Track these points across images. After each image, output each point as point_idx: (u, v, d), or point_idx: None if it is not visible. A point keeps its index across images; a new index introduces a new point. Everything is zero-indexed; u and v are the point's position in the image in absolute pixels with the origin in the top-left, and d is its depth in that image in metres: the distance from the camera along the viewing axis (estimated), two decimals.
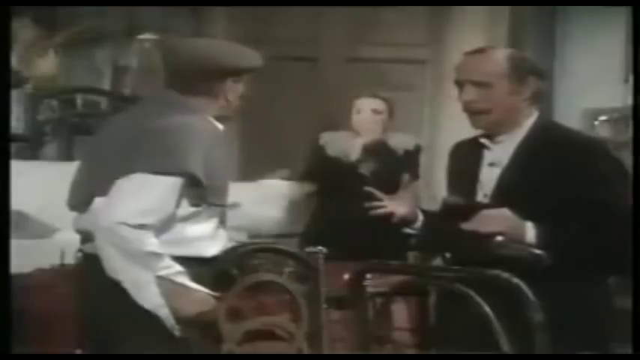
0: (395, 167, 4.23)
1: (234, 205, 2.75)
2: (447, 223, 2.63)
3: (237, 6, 5.45)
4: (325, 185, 4.28)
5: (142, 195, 2.46)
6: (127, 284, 2.46)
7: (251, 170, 5.11)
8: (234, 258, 2.57)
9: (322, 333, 2.49)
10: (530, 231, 2.52)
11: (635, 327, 2.50)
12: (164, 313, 2.47)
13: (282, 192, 2.98)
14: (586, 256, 2.51)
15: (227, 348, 2.47)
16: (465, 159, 2.76)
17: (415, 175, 4.29)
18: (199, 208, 2.55)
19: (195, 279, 2.51)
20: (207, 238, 2.58)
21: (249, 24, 5.58)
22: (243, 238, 2.81)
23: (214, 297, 2.51)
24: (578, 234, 2.50)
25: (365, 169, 4.21)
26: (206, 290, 2.51)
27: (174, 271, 2.48)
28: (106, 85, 5.56)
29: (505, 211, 2.53)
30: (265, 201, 2.93)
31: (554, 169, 2.56)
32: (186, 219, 2.55)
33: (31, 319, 3.08)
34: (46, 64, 5.32)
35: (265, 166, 4.51)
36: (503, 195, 2.60)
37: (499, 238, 2.49)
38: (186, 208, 2.54)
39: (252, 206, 2.85)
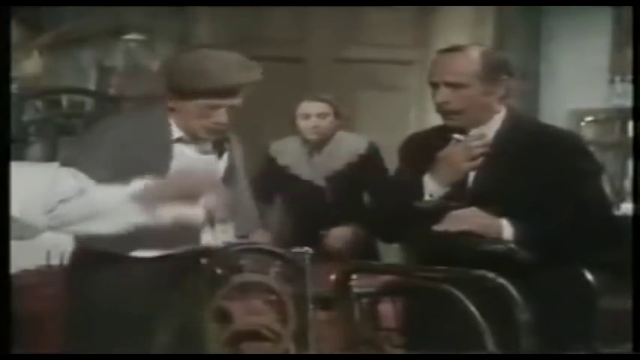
0: (352, 173, 4.08)
1: None
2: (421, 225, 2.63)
3: (224, 6, 5.43)
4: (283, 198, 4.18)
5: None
6: None
7: None
8: (220, 258, 2.56)
9: (309, 333, 2.49)
10: (506, 228, 2.53)
11: (636, 327, 2.51)
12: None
13: None
14: (564, 251, 2.53)
15: (213, 349, 2.46)
16: (430, 152, 2.72)
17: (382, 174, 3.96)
18: None
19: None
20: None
21: (235, 24, 5.57)
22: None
23: None
24: (556, 229, 2.51)
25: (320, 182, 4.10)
26: None
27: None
28: (91, 86, 5.54)
29: (474, 210, 2.54)
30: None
31: (532, 162, 2.57)
32: None
33: (18, 321, 3.07)
34: (31, 65, 5.30)
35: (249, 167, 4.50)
36: (483, 189, 2.60)
37: (470, 236, 2.51)
38: None
39: None
